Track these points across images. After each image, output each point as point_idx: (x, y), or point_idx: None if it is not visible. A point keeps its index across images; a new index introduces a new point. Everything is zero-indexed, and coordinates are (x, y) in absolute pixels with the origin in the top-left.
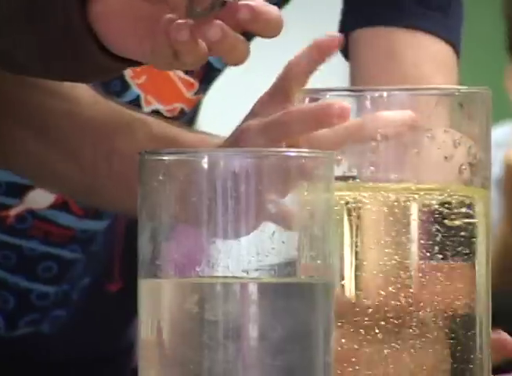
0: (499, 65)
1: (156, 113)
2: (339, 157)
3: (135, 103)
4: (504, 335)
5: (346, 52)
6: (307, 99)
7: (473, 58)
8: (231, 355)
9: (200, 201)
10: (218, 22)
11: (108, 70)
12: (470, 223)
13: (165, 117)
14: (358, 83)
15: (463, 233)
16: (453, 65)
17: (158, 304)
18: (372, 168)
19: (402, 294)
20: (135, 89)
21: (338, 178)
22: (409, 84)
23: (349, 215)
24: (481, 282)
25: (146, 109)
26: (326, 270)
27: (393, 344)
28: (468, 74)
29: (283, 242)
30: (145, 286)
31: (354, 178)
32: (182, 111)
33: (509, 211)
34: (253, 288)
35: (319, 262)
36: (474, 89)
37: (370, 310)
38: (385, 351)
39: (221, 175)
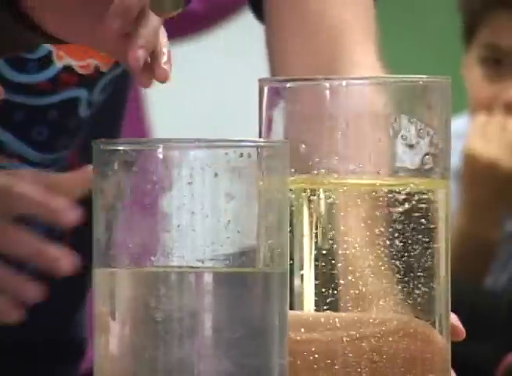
0: (458, 55)
1: (68, 68)
2: (303, 146)
3: (47, 59)
4: (453, 319)
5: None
6: (266, 88)
7: (433, 48)
8: (186, 345)
9: (155, 191)
10: None
11: (26, 46)
12: (430, 213)
13: (80, 75)
14: (272, 44)
15: (423, 222)
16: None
17: (113, 293)
18: (336, 157)
19: (361, 283)
20: (47, 45)
21: (299, 168)
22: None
23: (309, 205)
24: (441, 271)
25: (59, 64)
26: (282, 260)
27: (352, 332)
28: (428, 63)
29: (238, 231)
30: (99, 275)
31: (317, 168)
32: (97, 69)
33: (466, 202)
34: (208, 278)
35: (274, 251)
36: (433, 78)
37: (330, 299)
38: (344, 339)
39: (176, 164)
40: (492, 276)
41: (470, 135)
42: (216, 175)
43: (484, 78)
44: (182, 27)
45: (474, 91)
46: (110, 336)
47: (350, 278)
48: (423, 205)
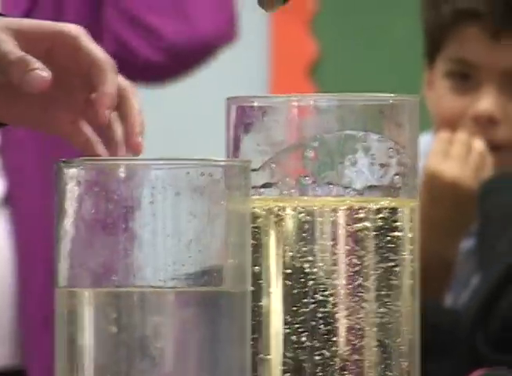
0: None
1: None
2: (273, 165)
3: None
4: None
5: None
6: (233, 107)
7: (399, 66)
8: (148, 364)
9: (117, 210)
10: None
11: None
12: (398, 232)
13: None
14: None
15: (391, 240)
16: None
17: (74, 313)
18: (305, 176)
19: (330, 301)
20: None
21: (266, 186)
22: None
23: (277, 224)
24: (407, 291)
25: None
26: (244, 279)
27: (323, 351)
28: (395, 81)
29: (200, 251)
30: (61, 295)
31: (286, 187)
32: None
33: (424, 220)
34: (169, 298)
35: (236, 270)
36: (402, 97)
37: (299, 318)
38: (316, 358)
39: (138, 183)
40: (452, 294)
41: (432, 152)
42: (178, 194)
43: (451, 93)
44: (143, 78)
45: (439, 107)
46: (72, 356)
47: (318, 297)
48: (391, 224)
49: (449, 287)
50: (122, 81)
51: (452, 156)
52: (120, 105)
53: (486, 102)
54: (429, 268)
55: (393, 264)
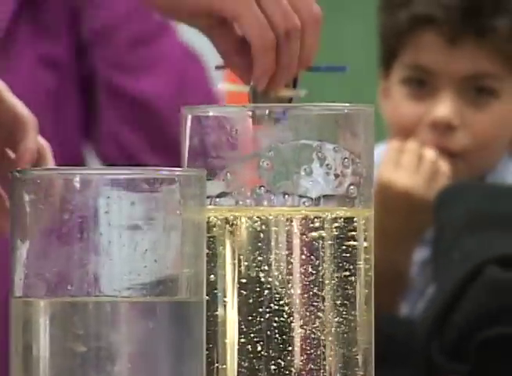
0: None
1: None
2: (228, 175)
3: None
4: None
5: None
6: (189, 116)
7: (355, 75)
8: (103, 374)
9: (72, 220)
10: None
11: None
12: (352, 242)
13: None
14: None
15: (346, 250)
16: None
17: (29, 323)
18: (260, 185)
19: (285, 311)
20: None
21: (221, 196)
22: None
23: (232, 233)
24: (362, 301)
25: None
26: (199, 289)
27: (279, 360)
28: (351, 91)
29: (156, 260)
30: (16, 305)
31: (242, 196)
32: None
33: (377, 230)
34: (124, 308)
35: (191, 280)
36: (357, 107)
37: (254, 328)
38: (271, 367)
39: (93, 193)
40: (408, 304)
41: (384, 162)
42: (133, 203)
43: (408, 99)
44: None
45: (395, 114)
46: (26, 366)
47: (274, 306)
48: (346, 234)
49: (403, 297)
50: (40, 139)
51: (404, 165)
52: (38, 162)
53: (443, 108)
54: (382, 277)
55: (348, 273)
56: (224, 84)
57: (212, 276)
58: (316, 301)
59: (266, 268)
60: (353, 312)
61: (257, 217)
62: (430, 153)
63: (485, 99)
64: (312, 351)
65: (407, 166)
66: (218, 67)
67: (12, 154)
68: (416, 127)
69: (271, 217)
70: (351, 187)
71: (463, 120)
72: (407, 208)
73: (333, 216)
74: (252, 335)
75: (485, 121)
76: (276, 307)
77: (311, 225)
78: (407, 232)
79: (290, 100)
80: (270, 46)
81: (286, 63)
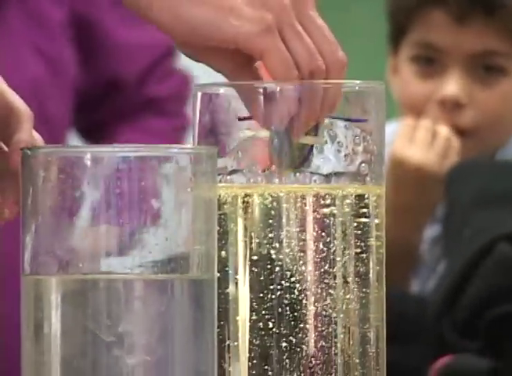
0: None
1: None
2: (239, 153)
3: None
4: None
5: None
6: (199, 94)
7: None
8: (114, 352)
9: (83, 197)
10: None
11: None
12: (364, 219)
13: None
14: None
15: (358, 227)
16: None
17: (41, 301)
18: (273, 164)
19: (298, 287)
20: None
21: (233, 173)
22: None
23: (244, 210)
24: (374, 278)
25: None
26: (210, 266)
27: (290, 337)
28: (362, 68)
29: (167, 238)
30: (27, 282)
31: (253, 173)
32: None
33: (388, 206)
34: (136, 285)
35: (202, 258)
36: (368, 84)
37: (265, 305)
38: (283, 345)
39: (104, 171)
40: (419, 281)
41: (398, 138)
42: (144, 181)
43: (416, 77)
44: None
45: (404, 91)
46: (38, 344)
47: (285, 283)
48: (358, 211)
49: (414, 274)
50: (35, 133)
51: (417, 141)
52: None
53: (452, 86)
54: (393, 253)
55: (360, 250)
56: (244, 131)
57: (223, 253)
58: (327, 279)
59: (277, 245)
60: (364, 290)
61: (269, 194)
62: (443, 130)
63: (494, 77)
64: (324, 328)
65: (420, 142)
66: (241, 119)
67: (5, 147)
68: (425, 105)
69: (282, 194)
70: (363, 164)
71: (471, 98)
72: (419, 184)
73: (345, 193)
74: (263, 312)
75: (494, 98)
76: (288, 284)
77: (323, 202)
78: (418, 208)
79: (311, 148)
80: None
81: (309, 105)
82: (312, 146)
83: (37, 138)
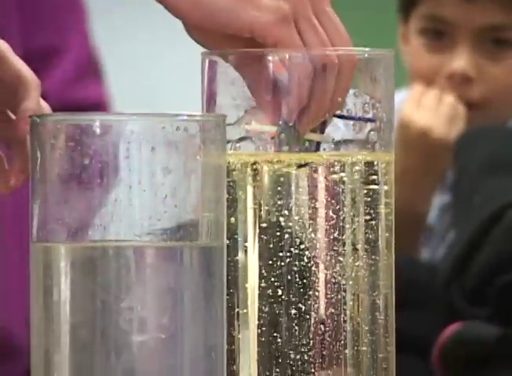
0: (395, 28)
1: None
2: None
3: None
4: None
5: None
6: (207, 61)
7: (376, 20)
8: (124, 319)
9: (92, 165)
10: None
11: None
12: (374, 186)
13: None
14: None
15: (367, 194)
16: None
17: (50, 269)
18: (282, 133)
19: (307, 255)
20: None
21: (242, 141)
22: None
23: (253, 178)
24: (383, 245)
25: None
26: (219, 233)
27: (299, 305)
28: (372, 36)
29: (176, 206)
30: (36, 250)
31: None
32: None
33: (396, 172)
34: (145, 252)
35: (211, 225)
36: (377, 51)
37: (275, 272)
38: (292, 312)
39: (113, 139)
40: (429, 249)
41: (406, 103)
42: (153, 149)
43: (425, 50)
44: None
45: (414, 63)
46: (46, 311)
47: (294, 251)
48: (367, 178)
49: (423, 242)
50: (42, 102)
51: (424, 106)
52: None
53: (460, 60)
54: (401, 220)
55: (369, 217)
56: (252, 123)
57: (233, 220)
58: (337, 246)
59: (286, 212)
60: (374, 257)
61: (278, 161)
62: (450, 98)
63: (503, 51)
64: (333, 295)
65: (427, 107)
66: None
67: (13, 116)
68: (434, 78)
69: (291, 161)
70: (372, 132)
71: (480, 72)
72: (426, 149)
73: (354, 160)
74: (272, 280)
75: (502, 72)
76: (297, 251)
77: (332, 169)
78: (426, 172)
79: (317, 144)
80: (307, 75)
81: (319, 97)
82: (319, 143)
83: (45, 106)
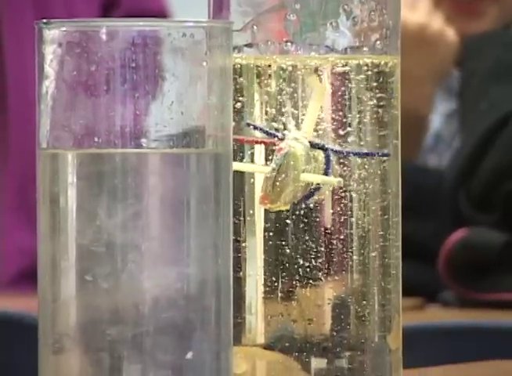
0: None
1: None
2: (254, 27)
3: None
4: None
5: None
6: None
7: None
8: (130, 227)
9: (99, 72)
10: None
11: None
12: (381, 89)
13: None
14: None
15: (375, 96)
16: None
17: (56, 175)
18: (288, 41)
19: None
20: None
21: (248, 47)
22: None
23: (258, 83)
24: (391, 152)
25: None
26: (225, 140)
27: (305, 210)
28: None
29: (182, 113)
30: (42, 157)
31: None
32: None
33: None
34: (152, 159)
35: (218, 132)
36: None
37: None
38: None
39: (119, 45)
40: (436, 156)
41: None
42: (159, 55)
43: None
44: None
45: None
46: (53, 218)
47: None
48: (375, 81)
49: (427, 146)
50: None
51: (420, 8)
52: None
53: None
54: (403, 122)
55: (377, 116)
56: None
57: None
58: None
59: (293, 115)
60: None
61: (285, 64)
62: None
63: None
64: (340, 201)
65: (423, 8)
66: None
67: None
68: None
69: (298, 64)
70: (378, 40)
71: None
72: (424, 45)
73: (361, 63)
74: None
75: None
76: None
77: (340, 72)
78: (426, 73)
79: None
80: None
81: None
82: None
83: None
